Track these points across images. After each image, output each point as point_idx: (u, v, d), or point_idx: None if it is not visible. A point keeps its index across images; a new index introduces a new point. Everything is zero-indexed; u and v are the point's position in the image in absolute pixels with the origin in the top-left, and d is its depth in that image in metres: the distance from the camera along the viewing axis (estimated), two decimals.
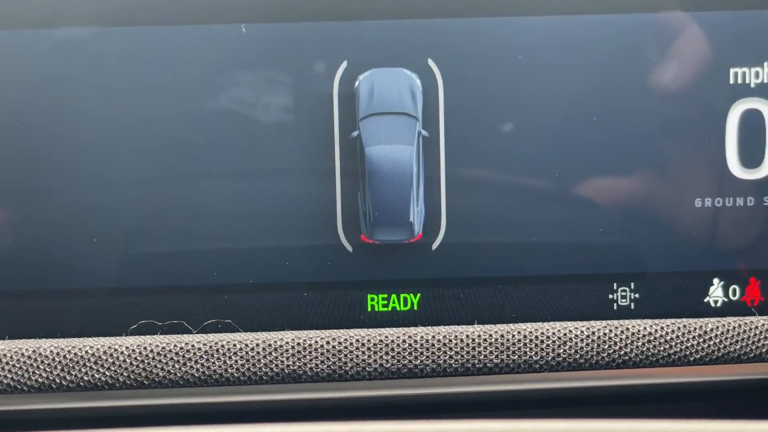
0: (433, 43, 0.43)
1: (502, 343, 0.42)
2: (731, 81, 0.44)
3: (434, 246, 0.44)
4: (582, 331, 0.42)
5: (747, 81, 0.44)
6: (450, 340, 0.42)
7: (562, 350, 0.42)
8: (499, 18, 0.43)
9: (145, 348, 0.41)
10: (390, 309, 0.44)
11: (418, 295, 0.44)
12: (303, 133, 0.43)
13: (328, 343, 0.41)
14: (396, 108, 0.44)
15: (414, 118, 0.44)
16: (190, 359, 0.41)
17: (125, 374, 0.41)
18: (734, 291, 0.45)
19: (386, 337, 0.42)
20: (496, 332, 0.42)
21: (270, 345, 0.41)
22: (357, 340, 0.42)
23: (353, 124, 0.43)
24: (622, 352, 0.42)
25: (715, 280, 0.45)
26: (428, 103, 0.43)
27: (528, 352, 0.42)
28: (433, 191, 0.44)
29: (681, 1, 0.43)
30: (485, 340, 0.42)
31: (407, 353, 0.42)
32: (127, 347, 0.41)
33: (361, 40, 0.43)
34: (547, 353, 0.42)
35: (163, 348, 0.41)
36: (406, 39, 0.43)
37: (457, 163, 0.44)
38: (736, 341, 0.43)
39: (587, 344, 0.42)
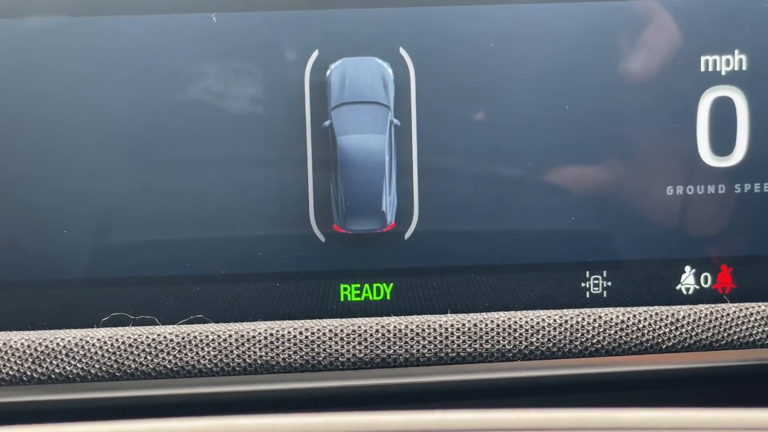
0: (404, 32, 0.47)
1: (475, 332, 0.46)
2: (702, 69, 0.48)
3: (407, 235, 0.48)
4: (555, 320, 0.47)
5: (718, 69, 0.48)
6: (423, 330, 0.46)
7: (535, 339, 0.46)
8: (470, 6, 0.47)
9: (116, 340, 0.45)
10: (363, 299, 0.48)
11: (391, 284, 0.49)
12: (275, 123, 0.47)
13: (300, 333, 0.46)
14: (368, 97, 0.48)
15: (386, 107, 0.48)
16: (162, 350, 0.45)
17: (97, 366, 0.45)
18: (706, 279, 0.49)
19: (359, 327, 0.46)
20: (469, 321, 0.46)
21: (243, 336, 0.45)
22: (330, 330, 0.46)
23: (325, 114, 0.47)
24: (595, 341, 0.47)
25: (687, 268, 0.49)
26: (400, 92, 0.47)
27: (501, 341, 0.46)
28: (405, 180, 0.48)
29: None
30: (458, 329, 0.46)
31: (380, 343, 0.46)
32: (98, 339, 0.45)
33: (333, 29, 0.46)
34: (520, 342, 0.46)
35: (135, 339, 0.45)
36: (378, 28, 0.47)
37: (429, 152, 0.47)
38: (708, 329, 0.47)
39: (560, 333, 0.47)
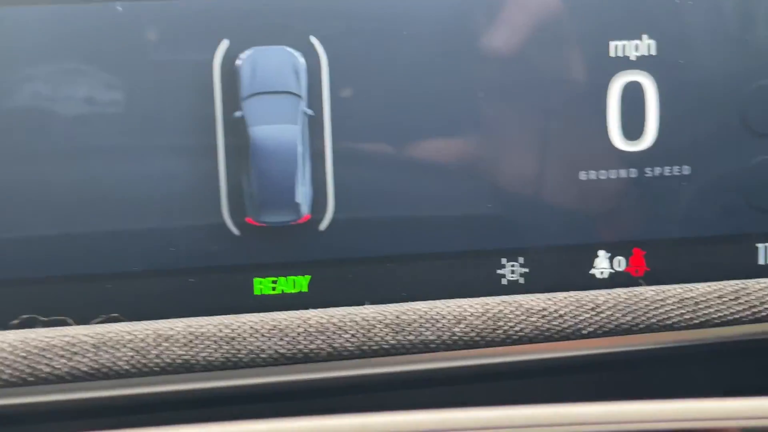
0: (315, 21, 0.51)
1: (398, 324, 0.51)
2: (611, 54, 0.55)
3: (322, 226, 0.53)
4: (477, 309, 0.52)
5: (627, 54, 0.55)
6: (345, 323, 0.51)
7: (457, 329, 0.52)
8: None
9: (28, 343, 0.48)
10: (279, 292, 0.53)
11: (308, 276, 0.53)
12: (184, 115, 0.50)
13: (220, 330, 0.50)
14: (279, 87, 0.52)
15: (298, 96, 0.52)
16: (77, 353, 0.49)
17: (8, 372, 0.48)
18: (619, 262, 0.55)
19: (280, 322, 0.50)
20: (391, 313, 0.51)
21: (160, 335, 0.49)
22: (250, 327, 0.50)
23: (236, 104, 0.51)
24: (517, 329, 0.52)
25: (601, 252, 0.56)
26: (312, 82, 0.52)
27: (424, 332, 0.52)
28: (319, 171, 0.52)
29: None
30: (380, 321, 0.51)
31: (302, 338, 0.51)
32: (9, 344, 0.49)
33: (242, 18, 0.50)
34: (443, 332, 0.52)
35: (48, 342, 0.49)
36: (288, 16, 0.51)
37: (343, 141, 0.52)
38: (627, 313, 0.53)
39: (483, 322, 0.52)
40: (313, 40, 0.52)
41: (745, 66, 0.55)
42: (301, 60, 0.52)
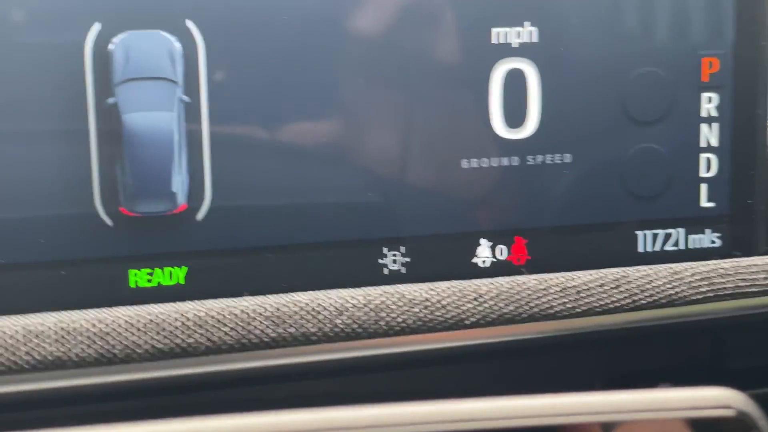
0: (191, 4, 0.51)
1: (278, 316, 0.52)
2: (493, 41, 0.57)
3: (199, 216, 0.53)
4: (359, 300, 0.53)
5: (509, 41, 0.57)
6: (224, 316, 0.51)
7: (339, 320, 0.53)
8: None
9: None
10: (155, 284, 0.53)
11: (184, 268, 0.54)
12: (54, 101, 0.50)
13: (93, 325, 0.50)
14: (154, 73, 0.52)
15: (173, 82, 0.52)
16: None
17: None
18: (501, 251, 0.57)
19: (156, 315, 0.50)
20: (271, 305, 0.52)
21: (30, 331, 0.49)
22: (125, 321, 0.50)
23: (110, 91, 0.51)
24: (400, 320, 0.54)
25: (483, 241, 0.57)
26: (189, 67, 0.52)
27: (305, 324, 0.52)
28: (196, 159, 0.52)
29: None
30: (260, 313, 0.52)
31: (179, 332, 0.51)
32: None
33: (115, 1, 0.50)
34: (325, 324, 0.53)
35: None
36: (163, 0, 0.51)
37: (220, 129, 0.52)
38: (510, 302, 0.55)
39: (365, 313, 0.53)
40: (190, 24, 0.52)
41: (625, 54, 0.57)
42: (177, 45, 0.52)
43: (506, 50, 0.55)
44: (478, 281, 0.54)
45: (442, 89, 0.55)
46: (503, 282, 0.54)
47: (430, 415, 0.43)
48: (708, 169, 0.59)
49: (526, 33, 0.55)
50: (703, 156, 0.59)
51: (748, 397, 0.42)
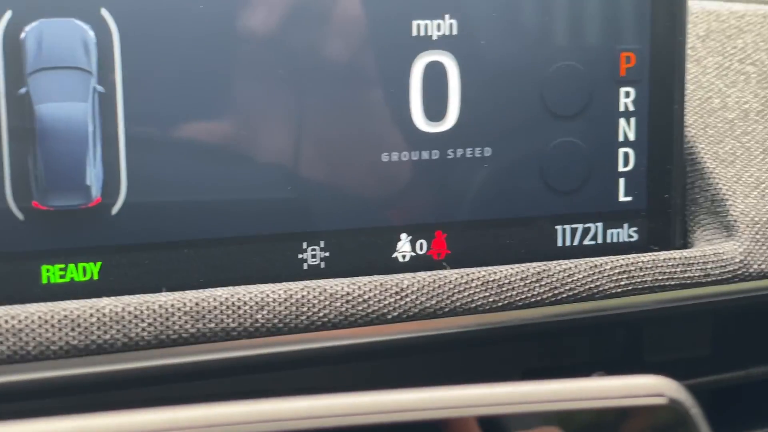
0: None
1: (198, 311, 0.51)
2: (414, 33, 0.56)
3: (114, 210, 0.51)
4: (279, 295, 0.52)
5: (429, 33, 0.57)
6: (141, 311, 0.50)
7: (260, 315, 0.52)
8: None
9: None
10: (68, 280, 0.51)
11: (99, 263, 0.52)
12: None
13: (6, 321, 0.48)
14: (67, 62, 0.51)
15: (88, 72, 0.51)
16: None
17: None
18: (421, 245, 0.57)
19: (71, 311, 0.49)
20: (190, 300, 0.51)
21: None
22: (39, 317, 0.49)
23: (21, 80, 0.50)
24: (321, 314, 0.53)
25: (403, 235, 0.56)
26: (103, 57, 0.51)
27: (225, 319, 0.51)
28: (111, 151, 0.51)
29: None
30: (179, 309, 0.51)
31: (95, 328, 0.50)
32: None
33: None
34: (245, 319, 0.52)
35: None
36: None
37: (136, 120, 0.51)
38: (431, 297, 0.55)
39: (285, 308, 0.52)
40: (105, 13, 0.51)
41: (544, 48, 0.57)
42: (91, 34, 0.51)
43: (427, 43, 0.55)
44: (400, 275, 0.54)
45: (362, 82, 0.54)
46: (425, 276, 0.54)
47: (349, 406, 0.42)
48: (626, 163, 0.59)
49: (446, 25, 0.55)
50: (621, 150, 0.59)
51: (681, 386, 0.43)
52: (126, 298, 0.50)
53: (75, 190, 0.51)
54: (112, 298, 0.50)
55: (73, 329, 0.49)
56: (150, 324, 0.50)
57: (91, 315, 0.49)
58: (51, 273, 0.51)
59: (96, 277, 0.52)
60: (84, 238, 0.51)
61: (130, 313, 0.49)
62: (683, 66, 0.59)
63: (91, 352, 0.49)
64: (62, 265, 0.51)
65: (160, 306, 0.50)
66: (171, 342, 0.50)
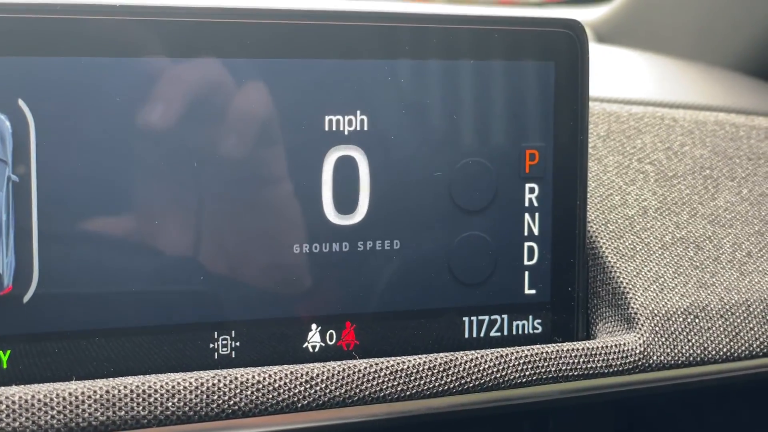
0: (23, 83, 0.51)
1: (108, 399, 0.51)
2: (326, 128, 0.58)
3: (26, 299, 0.52)
4: (190, 383, 0.53)
5: (341, 128, 0.58)
6: (51, 399, 0.50)
7: (170, 403, 0.52)
8: (95, 58, 0.54)
9: None
10: None
11: (8, 351, 0.52)
12: None
13: None
14: None
15: (3, 162, 0.52)
16: None
17: None
18: (331, 336, 0.58)
19: None
20: (100, 388, 0.51)
21: None
22: None
23: None
24: (231, 402, 0.53)
25: (313, 326, 0.57)
26: (19, 147, 0.52)
27: (135, 407, 0.51)
28: (24, 241, 0.51)
29: (274, 48, 0.57)
30: (89, 396, 0.51)
31: (4, 415, 0.48)
32: None
33: None
34: (156, 407, 0.52)
35: None
36: None
37: (50, 210, 0.51)
38: (341, 385, 0.55)
39: (196, 396, 0.53)
40: (21, 104, 0.52)
41: (452, 145, 0.59)
42: (8, 124, 0.51)
43: (338, 137, 0.57)
44: (310, 365, 0.55)
45: (275, 174, 0.56)
46: (335, 365, 0.55)
47: None
48: (531, 257, 0.61)
49: (357, 121, 0.57)
50: (526, 244, 0.61)
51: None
52: (36, 386, 0.50)
53: None
54: (22, 386, 0.50)
55: None
56: (59, 412, 0.50)
57: (0, 402, 0.49)
58: None
59: (5, 365, 0.52)
60: None
61: (39, 401, 0.50)
62: (585, 164, 0.61)
63: None
64: None
65: (69, 393, 0.50)
66: (80, 430, 0.50)
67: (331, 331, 0.57)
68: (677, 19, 1.09)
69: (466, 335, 0.60)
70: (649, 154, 0.71)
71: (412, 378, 0.56)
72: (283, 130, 0.56)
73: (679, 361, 0.62)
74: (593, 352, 0.60)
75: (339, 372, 0.55)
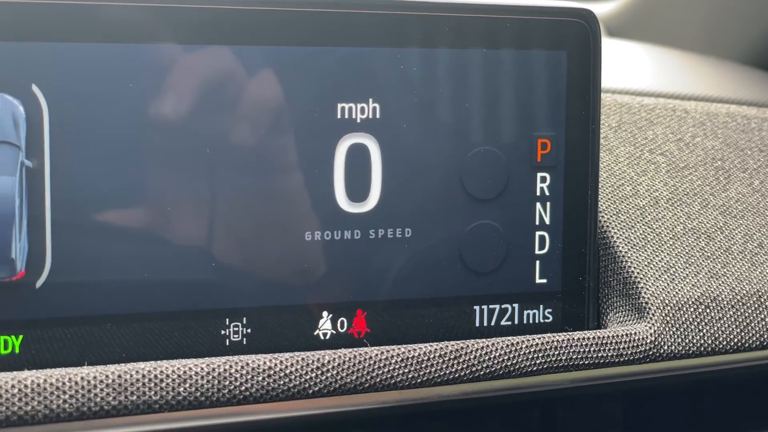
0: (37, 69, 0.51)
1: (120, 384, 0.51)
2: (338, 116, 0.58)
3: (38, 284, 0.52)
4: (202, 368, 0.53)
5: (353, 116, 0.58)
6: (63, 383, 0.50)
7: (182, 389, 0.52)
8: (110, 45, 0.53)
9: None
10: None
11: (21, 336, 0.52)
12: None
13: None
14: None
15: (16, 147, 0.52)
16: None
17: None
18: (342, 323, 0.58)
19: None
20: (112, 373, 0.51)
21: None
22: None
23: None
24: (243, 388, 0.53)
25: (324, 313, 0.57)
26: (33, 133, 0.52)
27: (147, 392, 0.52)
28: (37, 226, 0.52)
29: (287, 36, 0.57)
30: (101, 381, 0.51)
31: (17, 399, 0.50)
32: None
33: None
34: (167, 392, 0.52)
35: None
36: (9, 63, 0.51)
37: (63, 196, 0.52)
38: (352, 372, 0.55)
39: (208, 381, 0.53)
40: (35, 89, 0.52)
41: (464, 133, 0.59)
42: (21, 109, 0.51)
43: (351, 125, 0.57)
44: (320, 352, 0.55)
45: (287, 162, 0.56)
46: (346, 352, 0.55)
47: None
48: (542, 246, 0.61)
49: (369, 109, 0.57)
50: (537, 234, 0.61)
51: None
52: (48, 371, 0.50)
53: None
54: (35, 371, 0.50)
55: None
56: (72, 396, 0.50)
57: (13, 386, 0.49)
58: None
59: (17, 350, 0.52)
60: (6, 312, 0.52)
61: (51, 384, 0.50)
62: (597, 153, 0.61)
63: (11, 423, 0.49)
64: None
65: (82, 378, 0.50)
66: (92, 414, 0.50)
67: (342, 318, 0.57)
68: (687, 14, 1.09)
69: (477, 324, 0.60)
70: (661, 145, 0.71)
71: (423, 366, 0.56)
72: (295, 117, 0.56)
73: (690, 351, 0.61)
74: (604, 342, 0.60)
75: (350, 359, 0.55)
